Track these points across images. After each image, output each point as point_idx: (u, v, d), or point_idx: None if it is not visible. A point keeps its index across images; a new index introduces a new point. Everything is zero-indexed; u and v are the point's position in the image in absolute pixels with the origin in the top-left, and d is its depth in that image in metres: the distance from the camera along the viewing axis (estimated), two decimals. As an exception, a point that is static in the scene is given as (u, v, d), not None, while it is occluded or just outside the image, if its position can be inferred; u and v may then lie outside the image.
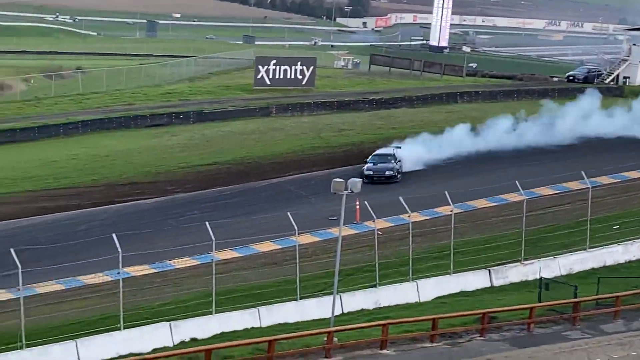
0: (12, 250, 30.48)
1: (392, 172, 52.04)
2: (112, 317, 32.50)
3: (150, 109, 71.81)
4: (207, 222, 34.09)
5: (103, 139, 64.68)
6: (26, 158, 59.81)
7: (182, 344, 32.21)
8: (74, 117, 68.80)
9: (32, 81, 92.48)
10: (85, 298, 36.35)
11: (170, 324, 32.76)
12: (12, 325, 31.44)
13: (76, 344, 30.98)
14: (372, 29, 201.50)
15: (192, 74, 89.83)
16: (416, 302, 36.97)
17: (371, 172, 51.77)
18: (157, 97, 76.92)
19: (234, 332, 33.20)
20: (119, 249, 31.61)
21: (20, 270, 30.15)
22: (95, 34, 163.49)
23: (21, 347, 30.38)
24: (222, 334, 33.00)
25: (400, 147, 54.49)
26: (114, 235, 31.99)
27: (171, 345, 32.21)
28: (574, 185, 48.10)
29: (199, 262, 39.22)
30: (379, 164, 52.32)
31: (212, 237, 33.36)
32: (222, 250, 38.07)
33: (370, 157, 53.14)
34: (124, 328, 32.01)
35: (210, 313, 33.58)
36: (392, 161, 52.64)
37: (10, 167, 57.28)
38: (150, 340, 32.05)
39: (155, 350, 31.27)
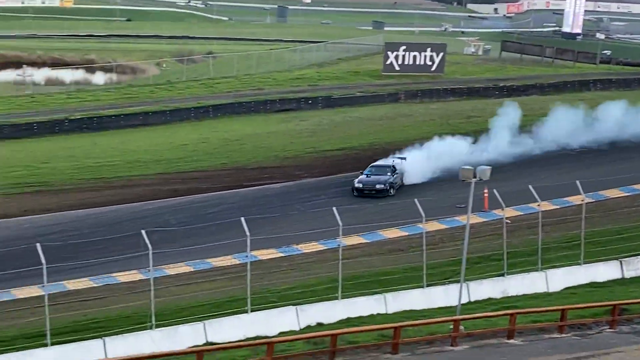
0: (143, 231, 31.08)
1: (383, 186, 47.51)
2: (240, 300, 32.81)
3: (280, 94, 72.40)
4: (334, 208, 34.09)
5: (233, 123, 65.46)
6: (158, 141, 60.86)
7: (308, 328, 32.38)
8: (205, 101, 69.81)
9: (164, 65, 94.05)
10: (213, 280, 36.82)
11: (296, 308, 32.93)
12: (143, 305, 32.06)
13: (204, 325, 31.42)
14: (504, 15, 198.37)
15: (321, 60, 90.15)
16: (545, 292, 36.43)
17: (361, 185, 47.87)
18: (286, 82, 77.51)
19: (359, 317, 33.20)
20: (247, 233, 31.90)
21: (150, 252, 30.73)
22: (226, 19, 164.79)
23: (151, 327, 30.93)
24: (348, 319, 33.03)
25: (405, 159, 50.42)
26: (242, 218, 32.31)
27: (297, 329, 32.40)
28: None
29: (325, 247, 39.30)
30: (372, 176, 48.34)
31: (339, 222, 33.38)
32: (348, 235, 38.05)
33: (367, 168, 49.33)
34: (251, 311, 32.32)
35: (336, 298, 33.63)
36: (389, 173, 48.55)
37: (143, 150, 58.38)
38: (277, 323, 32.29)
39: (281, 334, 31.52)
